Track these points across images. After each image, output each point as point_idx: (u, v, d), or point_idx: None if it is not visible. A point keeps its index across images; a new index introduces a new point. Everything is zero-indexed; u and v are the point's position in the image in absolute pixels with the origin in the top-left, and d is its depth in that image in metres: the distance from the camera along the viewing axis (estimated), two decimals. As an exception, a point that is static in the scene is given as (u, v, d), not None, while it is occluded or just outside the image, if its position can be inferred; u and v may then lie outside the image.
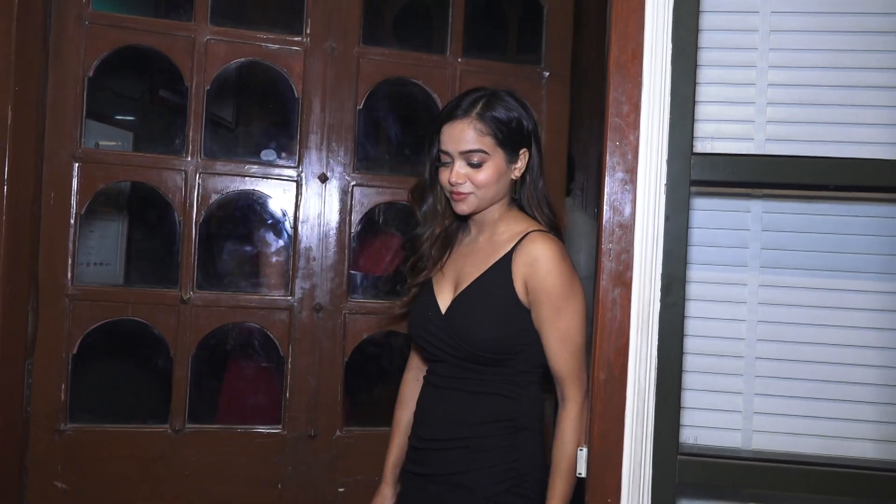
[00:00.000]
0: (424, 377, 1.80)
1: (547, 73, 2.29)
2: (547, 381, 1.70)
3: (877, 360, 1.56)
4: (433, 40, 2.99)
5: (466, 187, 1.64)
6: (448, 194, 1.70)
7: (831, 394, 1.56)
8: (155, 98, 2.65)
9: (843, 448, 1.55)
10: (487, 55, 2.31)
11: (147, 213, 2.29)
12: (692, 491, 1.58)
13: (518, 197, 1.73)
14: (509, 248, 1.65)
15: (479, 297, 1.65)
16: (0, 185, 1.73)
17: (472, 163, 1.63)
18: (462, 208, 1.68)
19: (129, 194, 2.33)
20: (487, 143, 1.62)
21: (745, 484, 1.52)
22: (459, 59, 2.23)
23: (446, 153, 1.66)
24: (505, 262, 1.64)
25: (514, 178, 1.69)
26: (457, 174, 1.64)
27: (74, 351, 1.97)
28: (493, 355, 1.63)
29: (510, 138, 1.65)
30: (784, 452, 1.55)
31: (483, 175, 1.63)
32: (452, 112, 1.65)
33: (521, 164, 1.68)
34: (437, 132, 1.67)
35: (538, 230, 1.66)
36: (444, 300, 1.71)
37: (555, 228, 1.71)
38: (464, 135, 1.63)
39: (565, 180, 2.36)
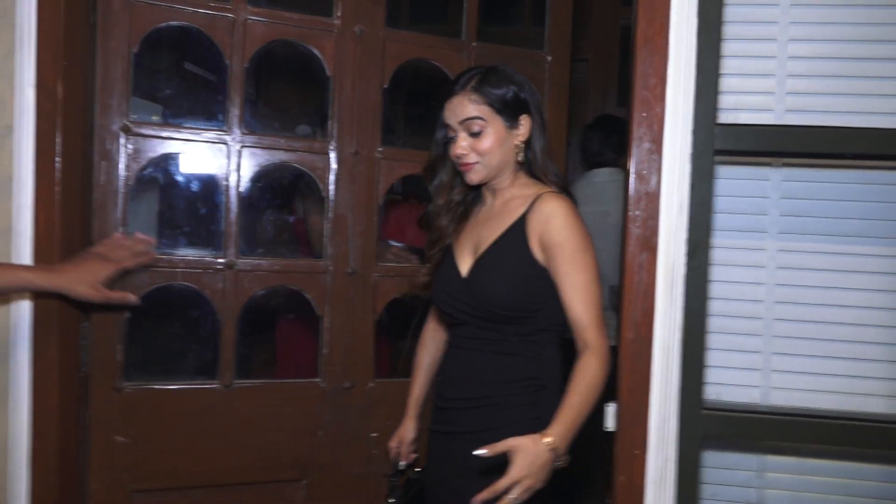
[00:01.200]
0: (448, 341, 1.79)
1: (549, 58, 2.30)
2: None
3: (888, 321, 1.52)
4: (448, 22, 2.93)
5: (471, 157, 1.64)
6: (458, 167, 1.69)
7: (844, 353, 1.54)
8: (185, 74, 2.58)
9: (855, 403, 1.53)
10: (499, 39, 2.29)
11: (188, 184, 2.22)
12: (715, 443, 1.56)
13: (527, 163, 1.70)
14: (523, 211, 1.63)
15: (497, 258, 1.63)
16: (52, 158, 1.67)
17: (472, 132, 1.63)
18: (472, 178, 1.67)
19: (164, 166, 2.25)
20: (484, 110, 1.63)
21: (765, 436, 1.50)
22: (474, 44, 2.22)
23: (450, 127, 1.67)
24: (520, 224, 1.62)
25: (517, 143, 1.66)
26: (460, 146, 1.64)
27: (129, 314, 1.92)
28: (510, 313, 1.60)
29: (506, 105, 1.63)
30: (800, 408, 1.52)
31: (484, 142, 1.63)
32: (451, 89, 1.68)
33: (523, 129, 1.67)
34: (442, 110, 1.68)
35: (549, 192, 1.64)
36: (464, 265, 1.70)
37: (565, 190, 1.69)
38: (461, 106, 1.64)
39: (566, 152, 2.43)
